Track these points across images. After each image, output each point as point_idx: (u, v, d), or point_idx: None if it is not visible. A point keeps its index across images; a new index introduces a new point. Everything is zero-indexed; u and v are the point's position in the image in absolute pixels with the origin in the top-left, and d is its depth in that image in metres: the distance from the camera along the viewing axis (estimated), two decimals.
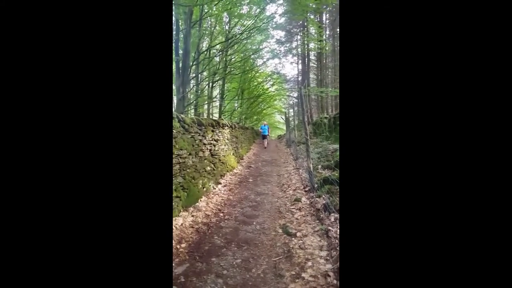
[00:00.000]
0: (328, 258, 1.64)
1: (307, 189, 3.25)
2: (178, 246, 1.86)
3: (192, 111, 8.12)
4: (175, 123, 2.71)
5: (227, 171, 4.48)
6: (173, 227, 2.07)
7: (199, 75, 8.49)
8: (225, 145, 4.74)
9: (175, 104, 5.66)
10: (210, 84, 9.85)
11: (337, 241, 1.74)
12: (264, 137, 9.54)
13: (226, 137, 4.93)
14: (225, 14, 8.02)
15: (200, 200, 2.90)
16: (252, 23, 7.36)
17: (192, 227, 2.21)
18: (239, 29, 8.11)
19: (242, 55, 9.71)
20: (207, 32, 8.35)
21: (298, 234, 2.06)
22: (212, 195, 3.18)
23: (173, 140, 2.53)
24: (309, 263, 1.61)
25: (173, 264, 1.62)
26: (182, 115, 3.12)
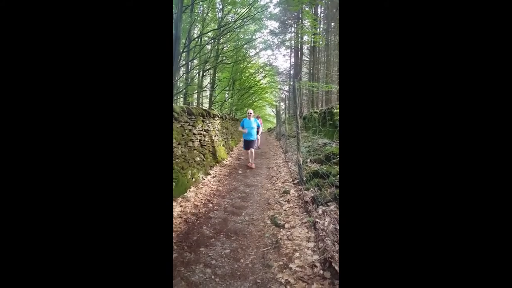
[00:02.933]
0: (315, 249, 1.68)
1: (295, 181, 3.30)
2: None
3: (182, 99, 7.88)
4: None
5: (217, 162, 4.44)
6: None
7: (189, 62, 8.21)
8: (215, 136, 4.67)
9: None
10: (201, 72, 9.53)
11: (324, 232, 1.79)
12: (248, 144, 4.46)
13: (216, 128, 4.86)
14: (218, 0, 7.74)
15: (189, 191, 2.86)
16: (246, 11, 7.16)
17: (181, 217, 2.18)
18: (232, 17, 7.87)
19: (235, 44, 9.45)
20: (198, 18, 8.04)
21: (286, 225, 2.09)
22: (201, 186, 3.15)
23: None
24: (297, 254, 1.64)
25: None
26: None
